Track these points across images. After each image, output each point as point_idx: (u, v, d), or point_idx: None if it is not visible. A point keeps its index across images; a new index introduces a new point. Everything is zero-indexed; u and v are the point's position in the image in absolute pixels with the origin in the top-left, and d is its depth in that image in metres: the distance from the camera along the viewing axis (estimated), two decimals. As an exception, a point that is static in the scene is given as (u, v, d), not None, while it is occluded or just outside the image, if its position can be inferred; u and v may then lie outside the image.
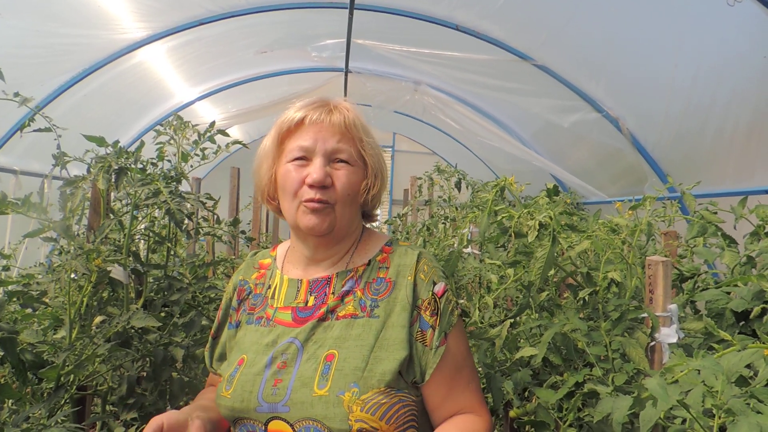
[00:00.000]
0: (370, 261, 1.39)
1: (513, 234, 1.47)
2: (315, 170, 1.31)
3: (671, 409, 0.94)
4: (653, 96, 3.78)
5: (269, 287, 1.44)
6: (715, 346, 1.13)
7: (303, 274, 1.42)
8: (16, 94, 1.41)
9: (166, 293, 2.09)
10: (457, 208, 4.62)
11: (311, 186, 1.31)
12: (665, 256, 1.78)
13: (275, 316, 1.37)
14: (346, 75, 5.88)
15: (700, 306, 1.94)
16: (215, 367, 1.45)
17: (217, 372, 1.43)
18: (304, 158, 1.33)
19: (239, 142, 2.39)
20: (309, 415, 1.19)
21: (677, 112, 3.59)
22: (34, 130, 1.53)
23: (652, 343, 1.47)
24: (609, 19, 3.59)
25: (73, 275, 1.54)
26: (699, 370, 0.96)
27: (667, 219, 1.68)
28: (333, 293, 1.35)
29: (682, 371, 0.90)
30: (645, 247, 1.85)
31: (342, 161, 1.34)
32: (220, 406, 1.31)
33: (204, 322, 2.12)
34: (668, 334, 1.46)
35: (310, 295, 1.37)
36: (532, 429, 1.73)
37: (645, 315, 1.48)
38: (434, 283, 1.33)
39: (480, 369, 1.78)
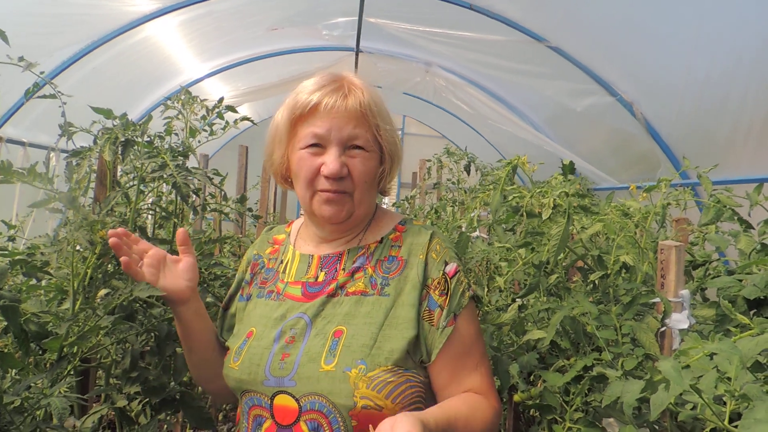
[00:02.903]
0: (382, 239, 1.37)
1: (525, 214, 1.44)
2: (331, 161, 1.26)
3: (681, 394, 0.92)
4: (669, 80, 3.71)
5: (281, 262, 1.44)
6: (732, 329, 1.11)
7: (315, 250, 1.41)
8: (21, 59, 1.38)
9: (171, 268, 2.07)
10: (465, 192, 4.58)
11: (327, 177, 1.27)
12: (677, 241, 1.74)
13: (285, 291, 1.36)
14: (356, 54, 5.83)
15: (710, 294, 1.91)
16: (225, 337, 1.46)
17: (226, 343, 1.44)
18: (318, 145, 1.29)
19: (248, 119, 2.36)
20: (315, 390, 1.18)
21: (693, 96, 3.52)
22: (39, 97, 1.51)
23: (663, 329, 1.44)
24: (626, 0, 3.52)
25: (78, 247, 1.53)
26: (711, 355, 0.93)
27: (682, 203, 1.64)
28: (344, 269, 1.34)
29: (696, 354, 0.87)
30: (657, 234, 1.82)
31: (358, 147, 1.30)
32: (227, 377, 1.32)
33: (209, 299, 2.11)
34: (679, 320, 1.43)
35: (321, 270, 1.36)
36: (537, 412, 1.71)
37: (656, 300, 1.45)
38: (446, 263, 1.31)
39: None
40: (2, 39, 1.30)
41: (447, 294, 1.28)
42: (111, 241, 1.27)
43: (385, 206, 1.53)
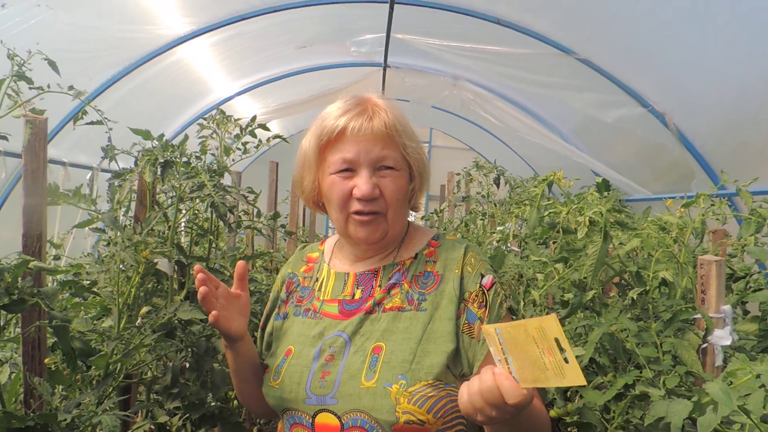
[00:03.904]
0: (417, 254, 1.38)
1: (561, 230, 1.44)
2: (363, 183, 1.29)
3: (728, 414, 0.91)
4: (702, 90, 3.66)
5: (317, 280, 1.45)
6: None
7: (350, 268, 1.42)
8: (71, 88, 1.44)
9: (208, 285, 2.11)
10: (495, 205, 4.57)
11: (360, 199, 1.30)
12: (716, 255, 1.72)
13: (322, 309, 1.38)
14: (384, 70, 5.87)
15: (750, 308, 1.87)
16: (265, 356, 1.47)
17: (265, 362, 1.45)
18: (349, 169, 1.31)
19: (280, 137, 2.40)
20: (357, 407, 1.19)
21: (728, 106, 3.46)
22: (87, 123, 1.57)
23: (704, 345, 1.42)
24: (655, 11, 3.49)
25: (121, 266, 1.58)
26: (759, 375, 0.92)
27: (721, 217, 1.61)
28: (380, 286, 1.35)
29: (745, 375, 0.86)
30: (694, 247, 1.79)
31: (388, 168, 1.32)
32: (267, 395, 1.33)
33: (245, 315, 2.14)
34: (722, 336, 1.41)
35: (357, 288, 1.37)
36: (575, 429, 1.70)
37: (696, 316, 1.43)
38: (482, 276, 1.31)
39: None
40: (53, 69, 1.36)
41: (486, 306, 1.28)
42: (201, 290, 1.23)
43: (411, 218, 1.54)
